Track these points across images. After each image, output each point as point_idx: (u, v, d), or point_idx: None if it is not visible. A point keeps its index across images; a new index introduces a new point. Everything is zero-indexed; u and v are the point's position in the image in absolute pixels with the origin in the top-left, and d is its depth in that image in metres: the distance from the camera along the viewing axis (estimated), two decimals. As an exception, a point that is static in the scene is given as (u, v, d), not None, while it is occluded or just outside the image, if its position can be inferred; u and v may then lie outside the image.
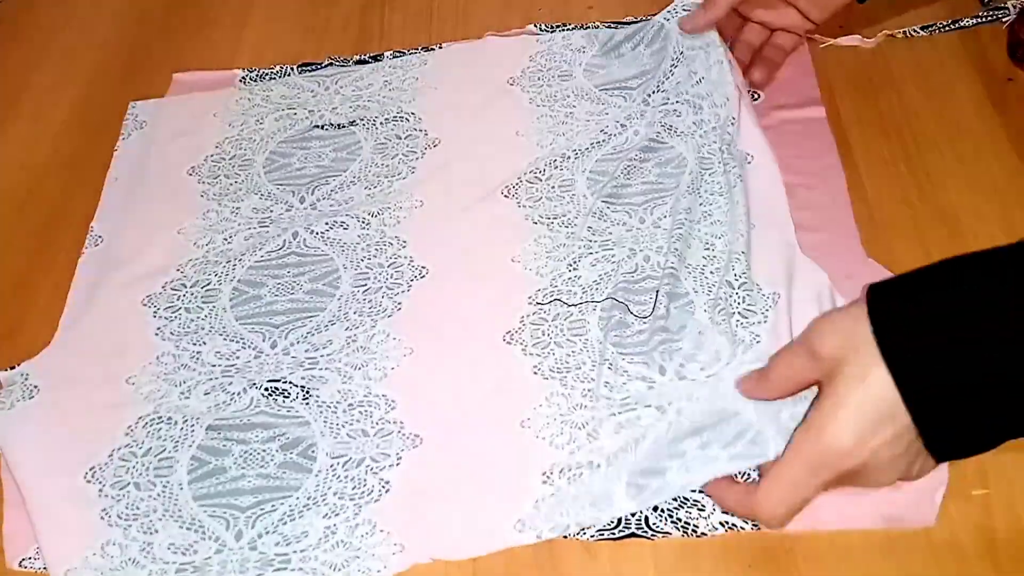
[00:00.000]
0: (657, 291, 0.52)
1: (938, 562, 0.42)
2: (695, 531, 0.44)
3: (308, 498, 0.47)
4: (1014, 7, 0.65)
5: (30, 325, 0.57)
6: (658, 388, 0.48)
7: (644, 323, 0.51)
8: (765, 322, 0.50)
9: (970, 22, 0.66)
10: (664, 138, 0.61)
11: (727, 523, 0.44)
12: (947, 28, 0.66)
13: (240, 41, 0.75)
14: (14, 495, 0.49)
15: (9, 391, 0.53)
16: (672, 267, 0.53)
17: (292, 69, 0.71)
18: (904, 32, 0.67)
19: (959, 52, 0.65)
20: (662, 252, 0.54)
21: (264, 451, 0.49)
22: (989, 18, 0.66)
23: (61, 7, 0.80)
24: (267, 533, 0.46)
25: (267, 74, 0.71)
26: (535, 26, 0.71)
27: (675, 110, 0.62)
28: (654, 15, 0.66)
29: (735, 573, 0.43)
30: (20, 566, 0.47)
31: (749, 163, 0.58)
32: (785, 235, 0.55)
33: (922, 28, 0.67)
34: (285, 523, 0.46)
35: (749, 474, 0.45)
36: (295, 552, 0.45)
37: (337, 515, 0.46)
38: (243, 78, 0.71)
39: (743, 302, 0.51)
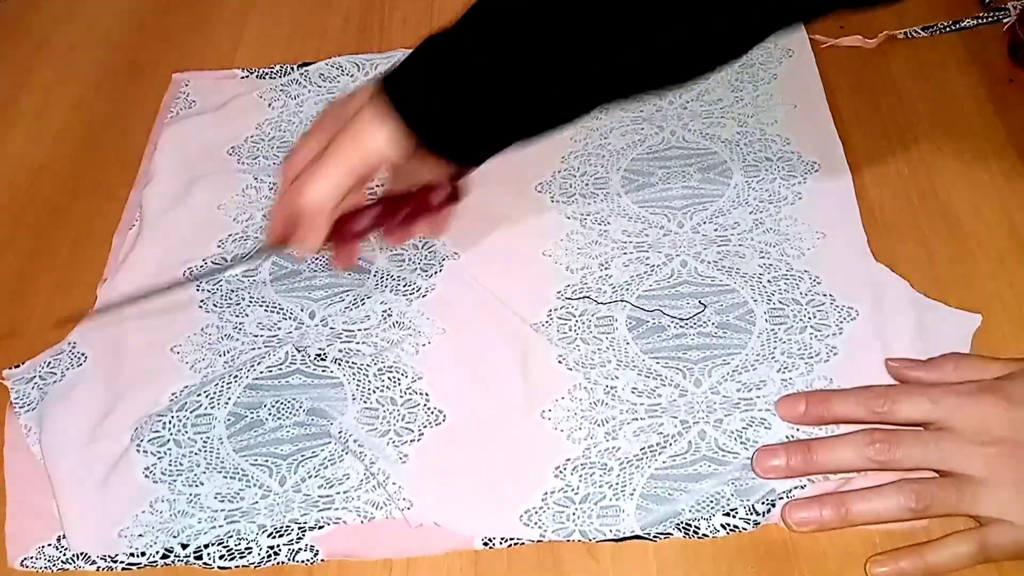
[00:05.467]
0: (701, 301, 0.52)
1: (939, 563, 0.42)
2: (696, 532, 0.44)
3: (343, 441, 0.49)
4: (1014, 8, 0.65)
5: (30, 325, 0.57)
6: (690, 398, 0.48)
7: (680, 328, 0.51)
8: (840, 333, 0.50)
9: (970, 22, 0.66)
10: (705, 144, 0.61)
11: (729, 525, 0.44)
12: (947, 28, 0.66)
13: (240, 41, 0.75)
14: (16, 493, 0.49)
15: (57, 360, 0.54)
16: (724, 284, 0.53)
17: (292, 68, 0.71)
18: (904, 32, 0.67)
19: (959, 52, 0.65)
20: (700, 259, 0.54)
21: (297, 404, 0.51)
22: (989, 18, 0.66)
23: (61, 7, 0.80)
24: (310, 477, 0.48)
25: (267, 73, 0.71)
26: None
27: (718, 121, 0.62)
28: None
29: (736, 574, 0.43)
30: (22, 565, 0.47)
31: (816, 171, 0.58)
32: (856, 246, 0.54)
33: (923, 28, 0.67)
34: (326, 467, 0.48)
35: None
36: (338, 493, 0.47)
37: (369, 457, 0.48)
38: (243, 77, 0.71)
39: (814, 317, 0.51)
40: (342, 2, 0.77)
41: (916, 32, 0.67)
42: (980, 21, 0.66)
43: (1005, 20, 0.65)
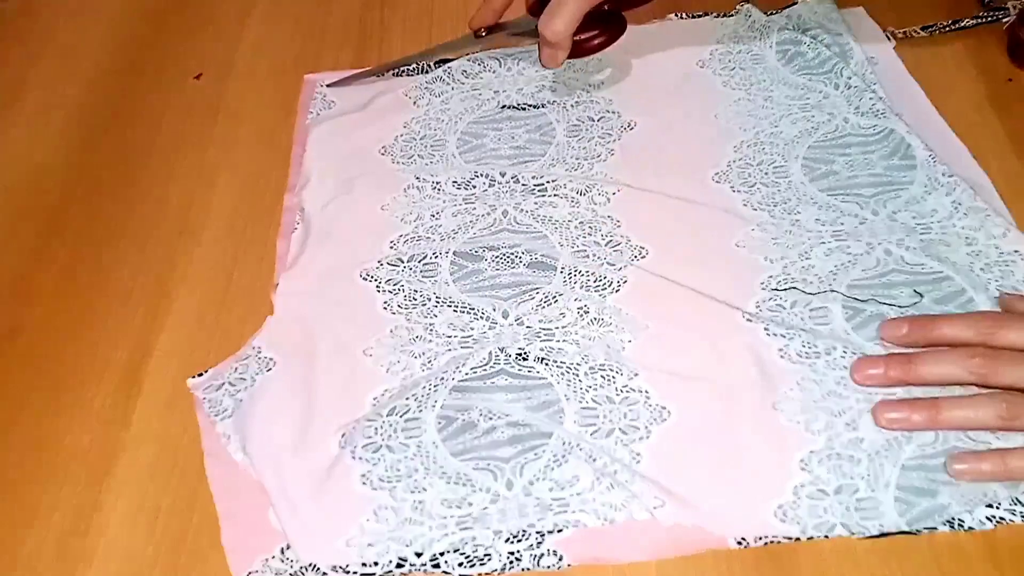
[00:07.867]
0: (916, 290, 0.51)
1: (939, 563, 0.42)
2: (961, 526, 0.43)
3: (565, 444, 0.47)
4: (1014, 7, 0.65)
5: (31, 325, 0.57)
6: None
7: (902, 313, 0.50)
8: None
9: (970, 22, 0.66)
10: (882, 125, 0.60)
11: (994, 517, 0.43)
12: (947, 28, 0.66)
13: (240, 41, 0.75)
14: (225, 504, 0.47)
15: (245, 365, 0.52)
16: (937, 271, 0.52)
17: (430, 65, 0.70)
18: (904, 32, 0.67)
19: (959, 52, 0.65)
20: (904, 246, 0.53)
21: (510, 408, 0.49)
22: (989, 18, 0.66)
23: (62, 7, 0.80)
24: (538, 480, 0.46)
25: (403, 71, 0.70)
26: (676, 15, 0.71)
27: (882, 111, 0.61)
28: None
29: (737, 572, 0.43)
30: None
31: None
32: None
33: (922, 28, 0.67)
34: (552, 469, 0.46)
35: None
36: (572, 496, 0.45)
37: (599, 459, 0.46)
38: (378, 76, 0.70)
39: None
40: (342, 2, 0.77)
41: (916, 32, 0.67)
42: (980, 21, 0.66)
43: (1005, 20, 0.65)
